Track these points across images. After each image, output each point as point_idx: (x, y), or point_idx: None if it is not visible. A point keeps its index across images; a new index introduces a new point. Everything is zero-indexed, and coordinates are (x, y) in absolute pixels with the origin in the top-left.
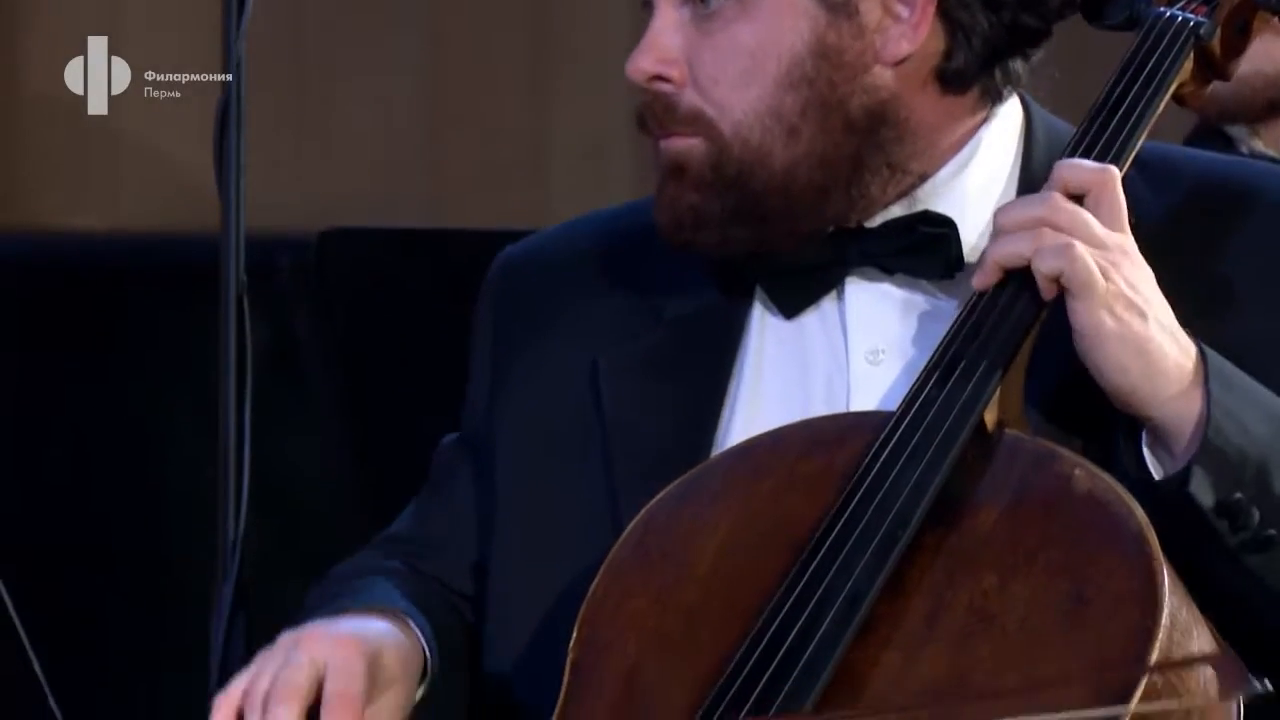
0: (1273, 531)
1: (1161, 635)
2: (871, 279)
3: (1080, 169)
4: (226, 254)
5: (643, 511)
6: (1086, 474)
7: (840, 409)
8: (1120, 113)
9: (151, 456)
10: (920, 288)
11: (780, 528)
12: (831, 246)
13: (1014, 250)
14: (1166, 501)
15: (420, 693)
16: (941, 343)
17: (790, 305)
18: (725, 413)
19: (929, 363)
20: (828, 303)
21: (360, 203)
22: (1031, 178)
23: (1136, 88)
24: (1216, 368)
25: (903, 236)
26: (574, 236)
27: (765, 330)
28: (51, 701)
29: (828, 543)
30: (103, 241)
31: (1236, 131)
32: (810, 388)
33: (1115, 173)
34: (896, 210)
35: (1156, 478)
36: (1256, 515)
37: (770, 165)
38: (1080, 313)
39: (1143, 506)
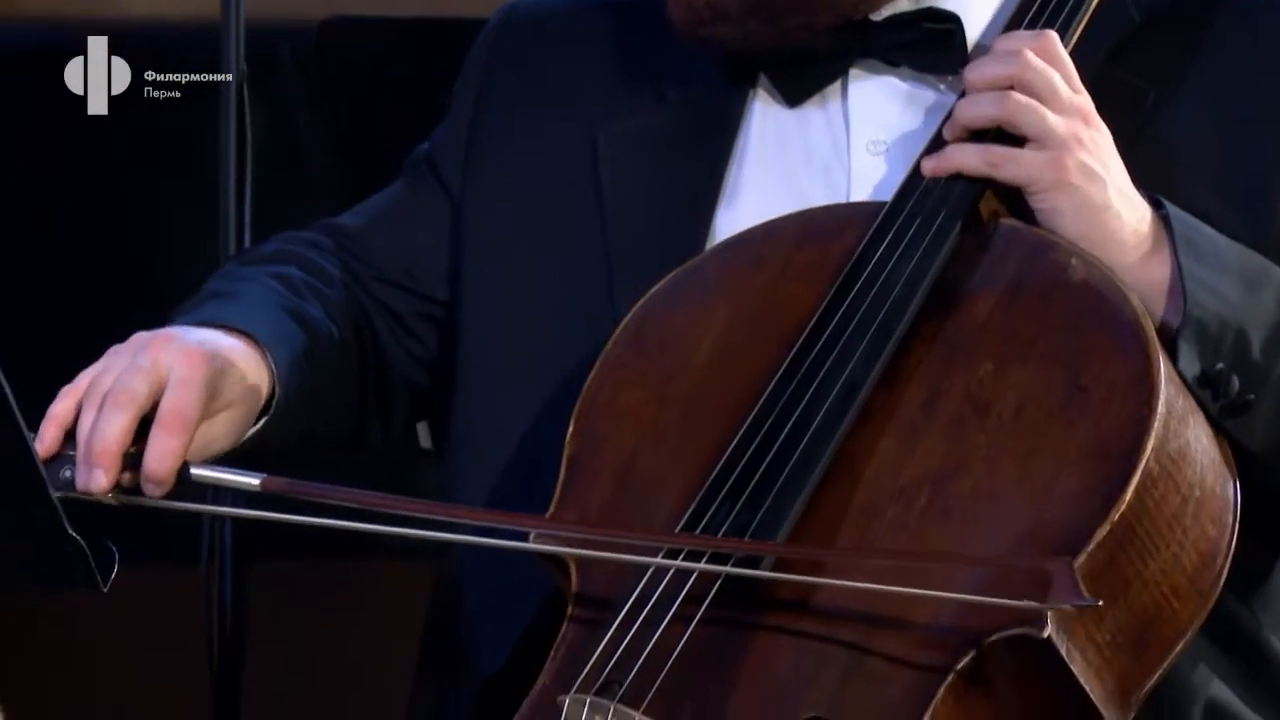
0: (1251, 396)
1: (1158, 423)
2: (876, 71)
3: (1017, 40)
4: (226, 42)
5: (638, 305)
6: (1083, 263)
7: (839, 199)
8: None
9: (152, 246)
10: (924, 81)
11: (776, 319)
12: (836, 38)
13: (981, 113)
14: None
15: (257, 427)
16: (937, 132)
17: (793, 94)
18: (723, 199)
19: (924, 151)
20: (831, 93)
21: None
22: None
23: None
24: (1183, 234)
25: (908, 31)
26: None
27: (767, 118)
28: (51, 491)
29: (825, 332)
30: (103, 29)
31: None
32: (810, 176)
33: (1053, 36)
34: (904, 4)
35: None
36: (1236, 382)
37: None
38: (1033, 198)
39: None
